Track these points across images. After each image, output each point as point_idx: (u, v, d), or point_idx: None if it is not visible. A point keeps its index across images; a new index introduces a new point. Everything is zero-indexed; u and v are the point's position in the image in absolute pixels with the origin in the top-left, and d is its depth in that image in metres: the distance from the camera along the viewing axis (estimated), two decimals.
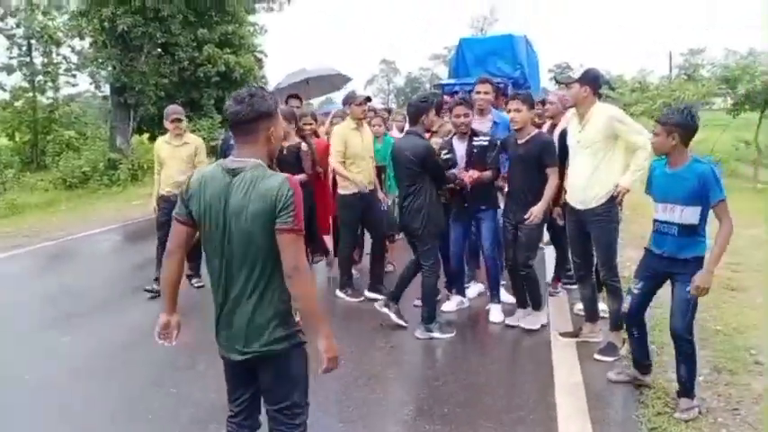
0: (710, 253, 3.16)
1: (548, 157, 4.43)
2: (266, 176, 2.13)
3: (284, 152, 5.05)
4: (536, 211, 4.40)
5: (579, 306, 4.72)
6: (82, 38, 15.99)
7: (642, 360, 3.68)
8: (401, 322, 4.70)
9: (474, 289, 5.48)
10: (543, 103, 5.66)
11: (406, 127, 5.09)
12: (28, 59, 16.08)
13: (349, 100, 5.45)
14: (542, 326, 4.65)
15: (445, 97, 6.08)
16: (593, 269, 4.34)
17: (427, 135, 5.01)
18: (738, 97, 15.39)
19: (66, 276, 6.83)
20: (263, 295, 2.17)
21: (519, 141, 4.52)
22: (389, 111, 8.83)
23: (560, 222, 4.73)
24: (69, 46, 16.61)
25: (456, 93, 6.78)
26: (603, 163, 4.01)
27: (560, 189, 4.55)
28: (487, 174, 4.71)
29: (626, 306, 3.58)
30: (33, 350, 4.53)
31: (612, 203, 4.04)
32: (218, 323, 2.28)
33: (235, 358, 2.25)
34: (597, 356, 4.08)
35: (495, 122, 5.21)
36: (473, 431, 3.26)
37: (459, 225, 4.96)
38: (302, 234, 2.14)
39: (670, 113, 3.27)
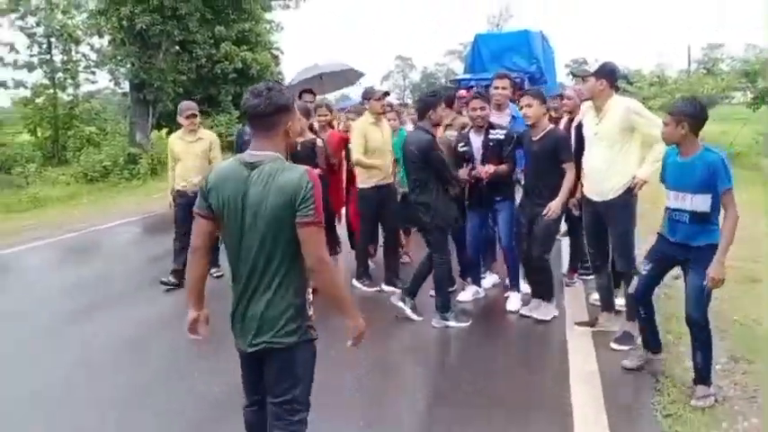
0: (719, 244, 3.19)
1: (563, 152, 4.44)
2: (285, 169, 2.13)
3: (298, 148, 5.09)
4: (554, 207, 4.42)
5: (595, 296, 4.73)
6: (101, 36, 16.24)
7: (652, 339, 3.70)
8: (414, 317, 4.73)
9: (489, 280, 5.50)
10: (561, 97, 5.65)
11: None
12: (48, 57, 16.30)
13: (368, 95, 5.50)
14: (554, 317, 4.67)
15: (462, 92, 6.11)
16: (609, 259, 4.34)
17: (440, 128, 5.04)
18: (758, 91, 15.17)
19: (86, 267, 6.99)
20: (279, 287, 2.17)
21: (533, 138, 4.53)
22: (405, 105, 8.87)
23: (576, 213, 4.74)
24: (89, 44, 16.88)
25: (472, 87, 6.78)
26: (620, 155, 4.01)
27: (577, 181, 4.55)
28: (503, 167, 4.72)
29: (633, 285, 3.61)
30: (54, 340, 4.65)
31: (630, 194, 4.04)
32: (233, 315, 2.28)
33: (246, 349, 2.26)
34: (613, 345, 4.08)
35: (513, 117, 5.20)
36: (488, 418, 3.28)
37: (476, 215, 4.98)
38: (323, 226, 2.15)
39: (679, 104, 3.34)
